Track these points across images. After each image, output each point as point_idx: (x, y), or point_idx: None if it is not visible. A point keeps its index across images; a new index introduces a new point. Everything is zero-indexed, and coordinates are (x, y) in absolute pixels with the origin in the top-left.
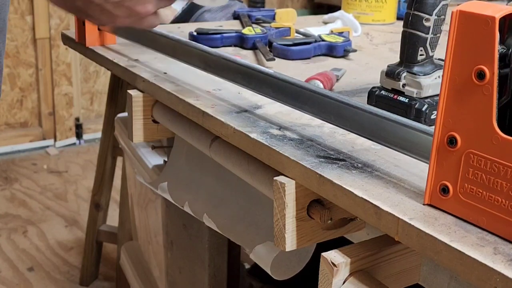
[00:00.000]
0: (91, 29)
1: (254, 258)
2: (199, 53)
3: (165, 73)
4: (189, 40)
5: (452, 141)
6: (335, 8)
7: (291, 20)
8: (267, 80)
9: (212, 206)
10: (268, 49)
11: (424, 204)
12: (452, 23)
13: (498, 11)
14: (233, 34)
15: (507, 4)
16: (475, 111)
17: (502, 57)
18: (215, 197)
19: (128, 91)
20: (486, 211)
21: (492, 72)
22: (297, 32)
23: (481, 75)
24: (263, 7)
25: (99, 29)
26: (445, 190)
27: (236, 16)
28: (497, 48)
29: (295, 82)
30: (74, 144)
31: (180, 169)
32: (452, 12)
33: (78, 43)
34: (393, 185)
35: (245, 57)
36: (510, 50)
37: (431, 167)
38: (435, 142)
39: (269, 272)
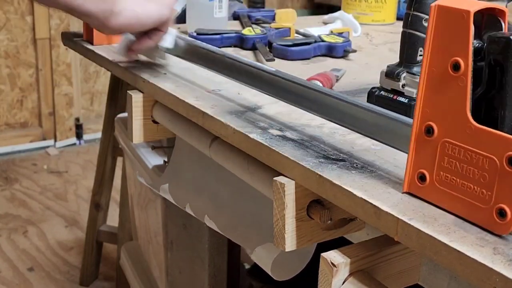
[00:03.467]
0: None
1: (255, 259)
2: (203, 51)
3: (165, 73)
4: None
5: (429, 131)
6: (335, 8)
7: (291, 21)
8: (269, 79)
9: (213, 207)
10: (267, 49)
11: (402, 192)
12: (431, 16)
13: (474, 5)
14: (233, 35)
15: (506, 4)
16: (450, 101)
17: (479, 50)
18: (216, 198)
19: (128, 91)
20: (460, 198)
21: (467, 64)
22: (297, 32)
23: (456, 67)
24: (263, 7)
25: None
26: (422, 178)
27: (236, 17)
28: (472, 40)
29: (297, 81)
30: (74, 144)
31: (181, 170)
32: (431, 6)
33: (78, 44)
34: (393, 185)
35: (244, 57)
36: (485, 44)
37: (410, 156)
38: (414, 131)
39: (270, 273)
